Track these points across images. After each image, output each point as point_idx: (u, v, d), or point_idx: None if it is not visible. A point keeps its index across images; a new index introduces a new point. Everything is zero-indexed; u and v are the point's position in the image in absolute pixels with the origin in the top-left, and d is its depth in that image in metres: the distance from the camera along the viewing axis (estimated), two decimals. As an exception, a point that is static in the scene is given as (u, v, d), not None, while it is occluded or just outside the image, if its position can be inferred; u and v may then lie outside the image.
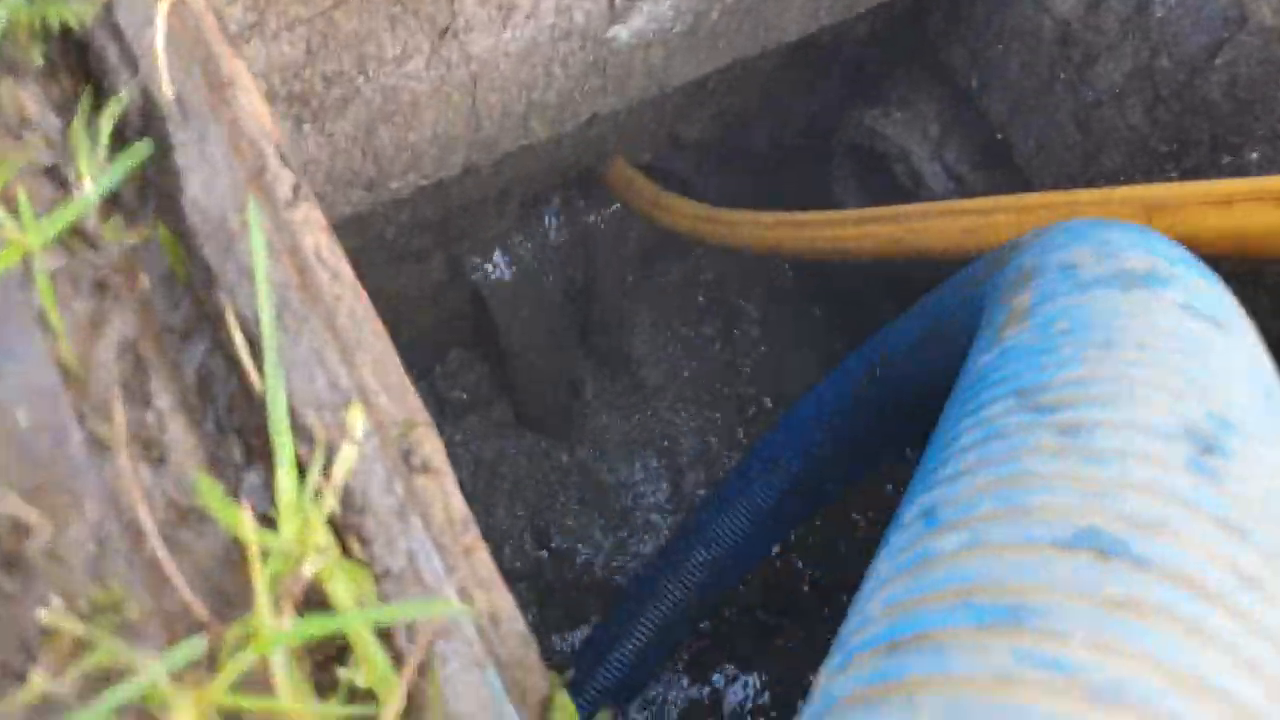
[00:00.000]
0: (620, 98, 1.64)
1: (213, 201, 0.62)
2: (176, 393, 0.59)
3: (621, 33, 1.49)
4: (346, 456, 0.55)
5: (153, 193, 0.64)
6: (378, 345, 0.61)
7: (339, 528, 0.55)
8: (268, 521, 0.53)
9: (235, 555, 0.55)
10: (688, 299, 3.01)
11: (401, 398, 0.61)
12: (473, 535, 0.62)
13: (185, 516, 0.55)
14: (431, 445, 0.61)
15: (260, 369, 0.56)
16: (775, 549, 2.75)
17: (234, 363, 0.58)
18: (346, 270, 0.62)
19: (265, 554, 0.50)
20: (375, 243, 1.94)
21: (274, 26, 1.15)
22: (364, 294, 0.63)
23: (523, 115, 1.54)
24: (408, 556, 0.55)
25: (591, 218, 2.59)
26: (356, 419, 0.56)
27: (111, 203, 0.64)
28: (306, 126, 1.32)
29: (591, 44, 1.47)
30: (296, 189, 0.61)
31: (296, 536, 0.50)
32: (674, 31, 1.55)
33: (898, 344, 1.61)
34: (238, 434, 0.58)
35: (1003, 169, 2.14)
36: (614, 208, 2.58)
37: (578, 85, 1.55)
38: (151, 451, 0.57)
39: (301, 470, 0.54)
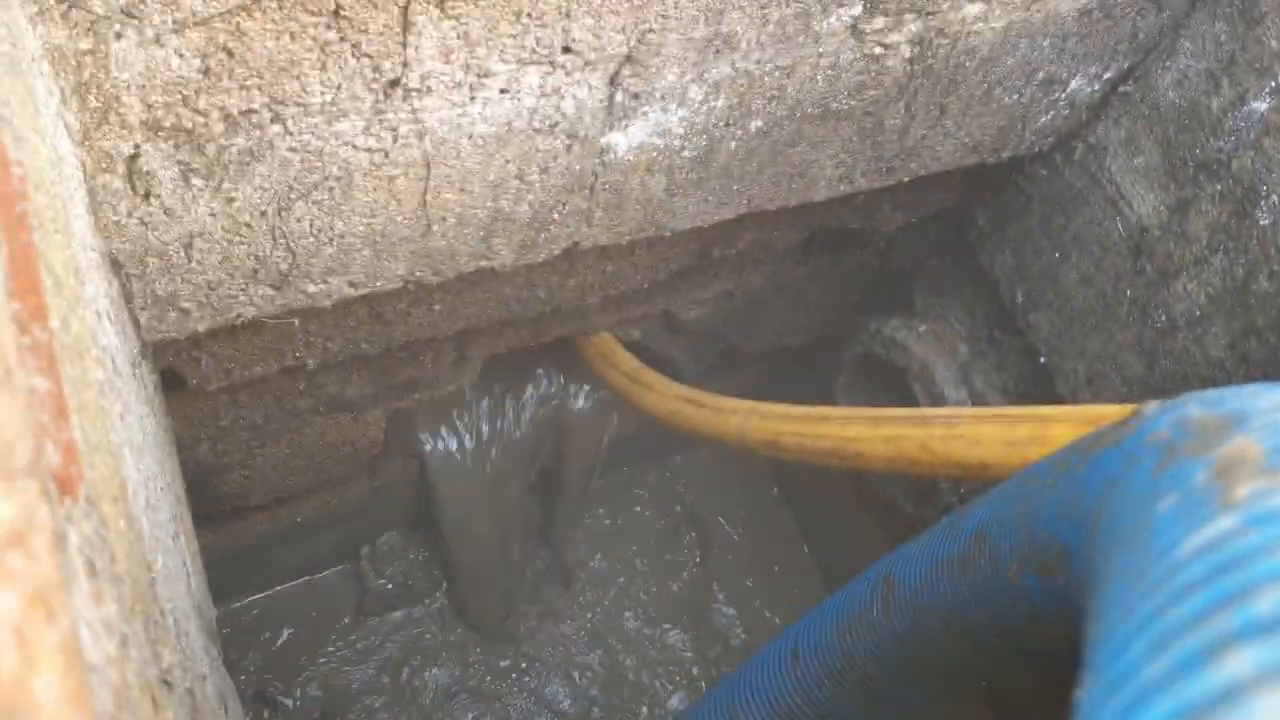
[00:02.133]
0: (608, 230, 1.36)
1: None
2: None
3: (619, 142, 1.21)
4: None
5: None
6: None
7: None
8: None
9: None
10: (660, 511, 2.66)
11: None
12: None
13: None
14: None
15: None
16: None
17: None
18: None
19: None
20: (295, 378, 1.62)
21: (157, 22, 0.87)
22: None
23: (485, 226, 1.25)
24: None
25: (565, 401, 2.28)
26: None
27: None
28: (197, 182, 1.02)
29: (580, 148, 1.20)
30: None
31: None
32: (682, 155, 1.28)
33: (911, 571, 1.28)
34: None
35: (1041, 400, 1.84)
36: (591, 395, 2.28)
37: (558, 202, 1.26)
38: None
39: None
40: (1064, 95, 1.52)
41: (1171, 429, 0.56)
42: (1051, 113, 1.55)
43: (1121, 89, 1.54)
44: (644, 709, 2.41)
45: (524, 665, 2.42)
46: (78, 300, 0.71)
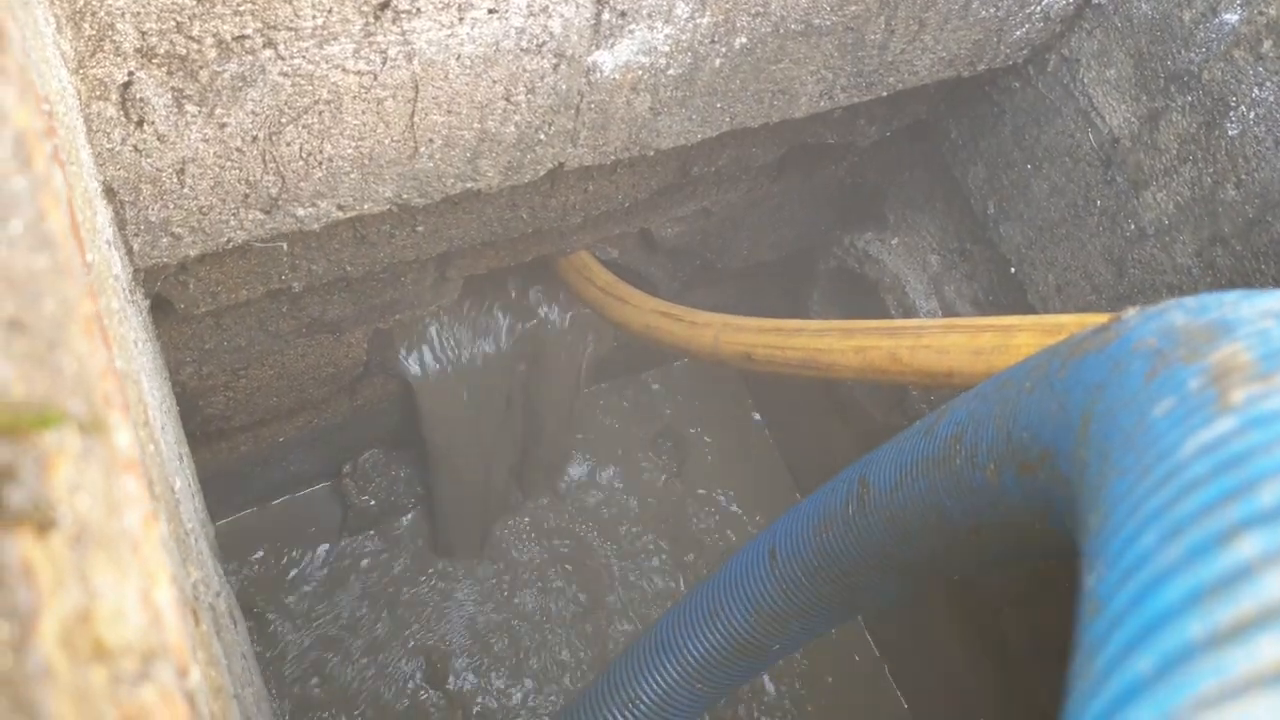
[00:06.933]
0: (593, 150, 1.37)
1: None
2: None
3: (606, 61, 1.22)
4: None
5: None
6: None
7: None
8: None
9: None
10: (638, 423, 2.71)
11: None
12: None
13: None
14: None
15: None
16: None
17: None
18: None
19: None
20: (279, 300, 1.63)
21: (150, -53, 0.86)
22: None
23: (472, 148, 1.25)
24: None
25: (545, 315, 2.30)
26: None
27: None
28: (190, 109, 1.02)
29: (567, 68, 1.20)
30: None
31: None
32: (667, 74, 1.28)
33: (886, 471, 1.33)
34: None
35: (1011, 309, 1.89)
36: (571, 313, 2.30)
37: (544, 122, 1.27)
38: None
39: None
40: (1039, 8, 1.54)
41: (1159, 336, 0.60)
42: (1027, 25, 1.56)
43: (1095, 1, 1.56)
44: (629, 611, 2.47)
45: (506, 574, 2.48)
46: (94, 231, 0.73)
